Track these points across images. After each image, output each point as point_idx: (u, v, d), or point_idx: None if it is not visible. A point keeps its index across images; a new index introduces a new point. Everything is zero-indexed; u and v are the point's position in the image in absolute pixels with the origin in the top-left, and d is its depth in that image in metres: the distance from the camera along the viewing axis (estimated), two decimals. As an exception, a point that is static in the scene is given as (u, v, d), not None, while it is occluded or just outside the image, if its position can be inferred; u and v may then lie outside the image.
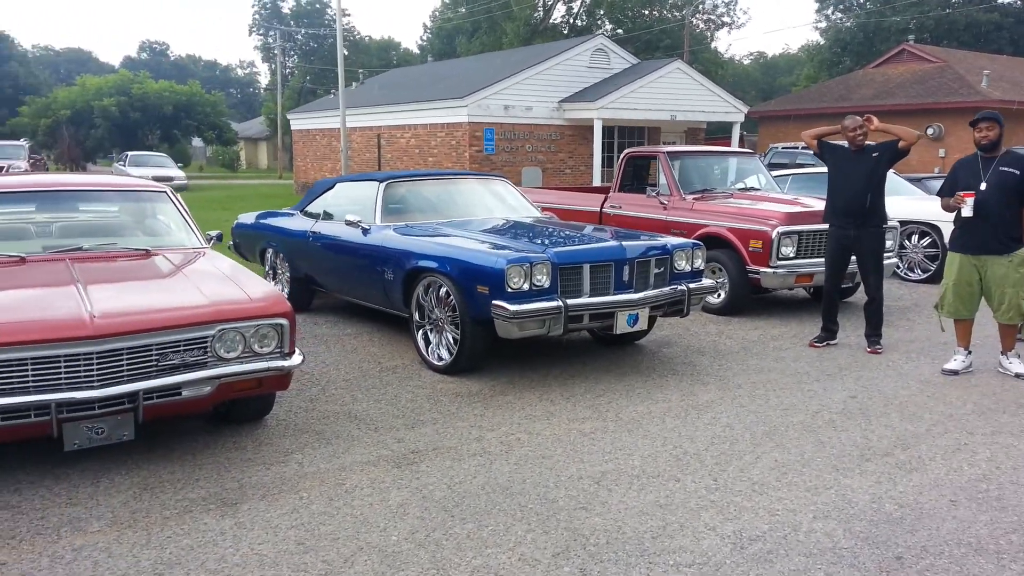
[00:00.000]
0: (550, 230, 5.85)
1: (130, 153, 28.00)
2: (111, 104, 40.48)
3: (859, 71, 36.55)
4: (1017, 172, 5.31)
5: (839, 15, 50.04)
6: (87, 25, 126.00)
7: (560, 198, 9.81)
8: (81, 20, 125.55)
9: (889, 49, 35.79)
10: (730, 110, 21.00)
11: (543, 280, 4.92)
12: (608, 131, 20.41)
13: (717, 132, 36.09)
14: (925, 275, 9.50)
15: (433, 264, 5.32)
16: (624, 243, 5.33)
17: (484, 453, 3.98)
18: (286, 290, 7.31)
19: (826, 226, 6.67)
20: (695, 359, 5.88)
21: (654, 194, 8.33)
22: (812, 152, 6.68)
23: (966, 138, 26.61)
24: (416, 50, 64.39)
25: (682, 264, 5.68)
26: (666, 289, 5.48)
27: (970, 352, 5.65)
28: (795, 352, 6.15)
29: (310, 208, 7.27)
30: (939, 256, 9.38)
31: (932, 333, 6.59)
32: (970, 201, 5.42)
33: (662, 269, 5.54)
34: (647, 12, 37.75)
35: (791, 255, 7.20)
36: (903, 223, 9.69)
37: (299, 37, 67.97)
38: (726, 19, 41.96)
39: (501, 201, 6.89)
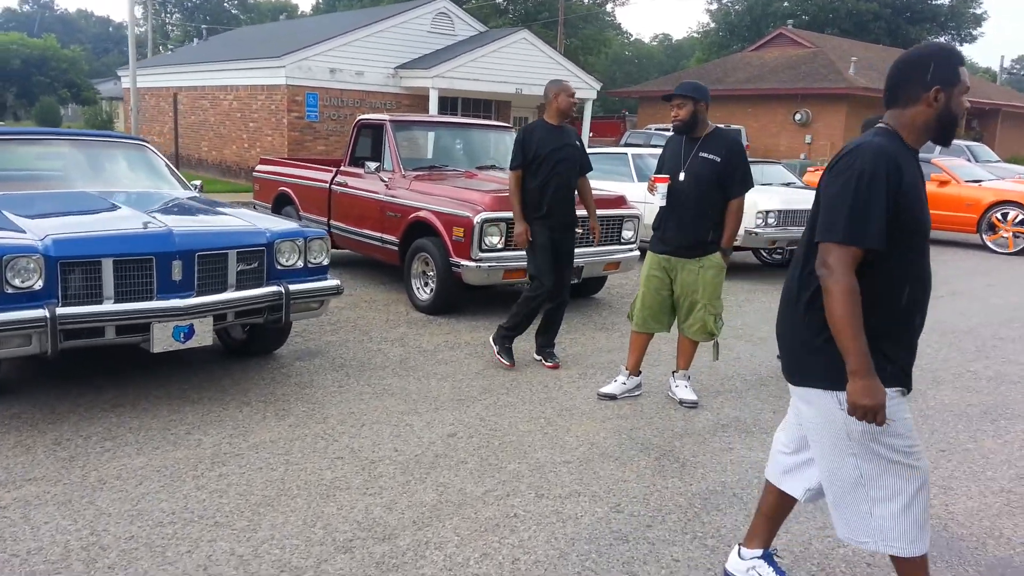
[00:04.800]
0: (105, 208, 4.42)
1: (-63, 107, 24.76)
2: (-56, 55, 36.39)
3: (737, 54, 36.47)
4: (717, 159, 4.29)
5: (728, -1, 50.12)
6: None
7: (295, 172, 8.49)
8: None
9: (767, 32, 35.85)
10: (581, 86, 19.99)
11: (30, 280, 3.60)
12: (450, 103, 19.10)
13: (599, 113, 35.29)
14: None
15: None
16: (178, 229, 4.05)
17: None
18: None
19: None
20: (316, 376, 4.70)
21: (372, 169, 7.10)
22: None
23: (833, 123, 26.94)
24: (312, 14, 61.39)
25: (290, 259, 4.47)
26: (252, 292, 4.26)
27: (640, 373, 4.67)
28: (461, 366, 5.06)
29: None
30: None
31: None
32: (662, 188, 4.40)
33: (254, 265, 4.31)
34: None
35: (498, 246, 6.14)
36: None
37: (181, -8, 63.55)
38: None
39: (127, 171, 5.50)
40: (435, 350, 5.39)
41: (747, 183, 4.35)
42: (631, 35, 69.92)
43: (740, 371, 5.24)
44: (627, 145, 20.12)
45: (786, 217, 8.45)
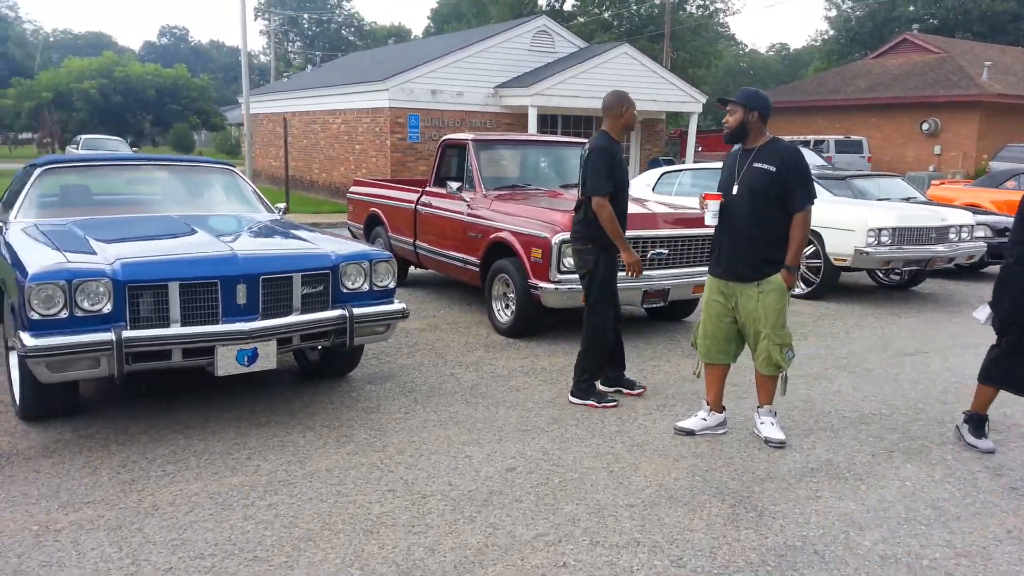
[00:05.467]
0: (183, 232, 4.51)
1: (83, 137, 27.00)
2: (91, 87, 39.77)
3: (857, 62, 34.62)
4: (772, 168, 3.94)
5: (848, 4, 47.78)
6: (108, 8, 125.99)
7: (384, 193, 8.57)
8: (102, 3, 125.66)
9: (891, 38, 33.85)
10: (686, 99, 19.48)
11: (99, 303, 3.70)
12: (550, 120, 19.01)
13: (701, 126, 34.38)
14: (809, 288, 8.10)
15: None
16: (242, 253, 4.07)
17: None
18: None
19: (635, 233, 5.86)
20: (383, 401, 4.61)
21: (454, 189, 7.03)
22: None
23: (965, 133, 25.06)
24: (423, 36, 63.52)
25: (356, 282, 4.42)
26: (316, 316, 4.23)
27: (723, 409, 4.32)
28: (534, 393, 4.86)
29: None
30: (822, 268, 7.99)
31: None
32: (713, 205, 4.08)
33: (319, 288, 4.29)
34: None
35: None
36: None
37: (303, 21, 67.13)
38: (720, 5, 39.81)
39: (214, 195, 5.66)
40: (509, 375, 5.21)
41: (809, 194, 3.93)
42: (746, 46, 68.03)
43: (839, 406, 4.77)
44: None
45: (902, 235, 7.77)
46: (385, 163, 17.20)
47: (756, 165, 3.98)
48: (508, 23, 20.02)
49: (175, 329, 3.84)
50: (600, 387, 4.81)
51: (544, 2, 39.82)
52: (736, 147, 4.18)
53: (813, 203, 3.97)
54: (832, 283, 8.02)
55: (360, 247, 4.62)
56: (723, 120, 4.11)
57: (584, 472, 3.72)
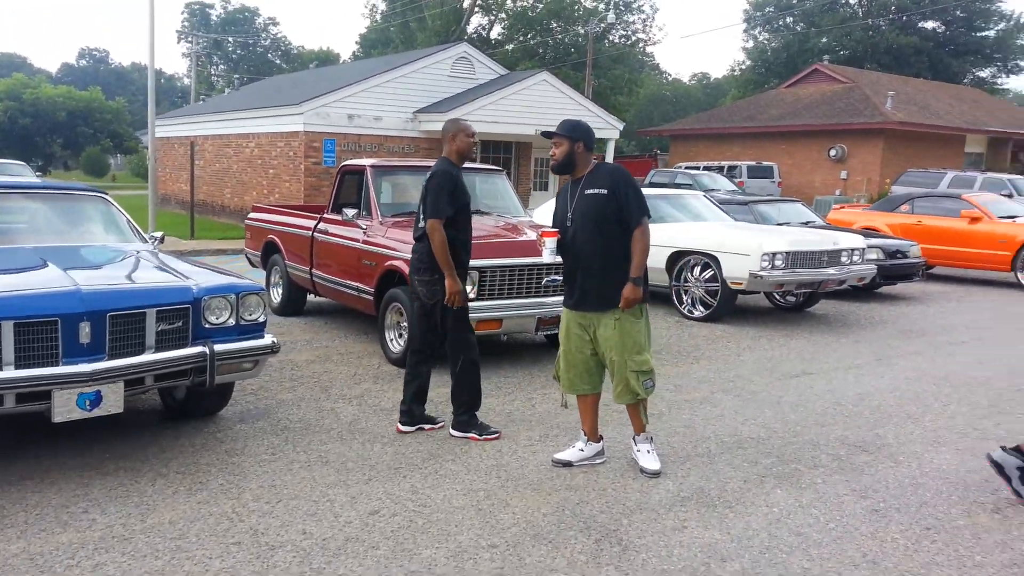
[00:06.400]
0: (31, 266, 4.21)
1: (-18, 160, 25.65)
2: (-2, 109, 38.04)
3: (771, 91, 35.90)
4: (604, 191, 3.93)
5: (764, 36, 49.71)
6: (26, 30, 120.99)
7: (282, 220, 8.33)
8: (18, 25, 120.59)
9: (803, 68, 35.27)
10: (604, 126, 19.77)
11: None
12: (471, 145, 19.01)
13: (622, 152, 34.99)
14: (707, 311, 8.19)
15: None
16: (88, 288, 3.82)
17: None
18: None
19: (520, 261, 5.88)
20: (250, 442, 4.38)
21: (350, 216, 6.86)
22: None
23: (869, 159, 26.20)
24: (352, 60, 63.18)
25: (220, 316, 4.20)
26: (172, 354, 3.99)
27: (601, 439, 4.26)
28: (387, 436, 4.69)
29: None
30: (719, 291, 8.11)
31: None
32: (549, 242, 4.06)
33: (178, 324, 4.05)
34: (555, 25, 36.59)
35: (471, 296, 5.79)
36: (681, 253, 8.43)
37: (228, 44, 65.83)
38: (642, 36, 40.84)
39: (82, 224, 5.34)
40: (393, 408, 5.03)
41: (643, 208, 3.94)
42: (670, 75, 69.95)
43: (719, 431, 4.77)
44: (651, 184, 19.80)
45: (795, 259, 7.95)
46: (299, 188, 16.85)
47: (588, 192, 3.99)
48: (428, 49, 20.06)
49: (7, 372, 3.55)
50: (479, 420, 4.68)
51: (472, 29, 40.09)
52: (568, 184, 4.16)
53: (649, 216, 3.99)
54: (729, 306, 8.14)
55: (227, 279, 4.40)
56: (550, 153, 4.10)
57: (451, 512, 3.58)
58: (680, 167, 24.36)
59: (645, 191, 10.14)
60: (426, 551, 3.21)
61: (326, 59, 66.22)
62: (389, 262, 6.30)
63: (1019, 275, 10.64)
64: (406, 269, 6.02)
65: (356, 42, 59.97)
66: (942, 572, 3.14)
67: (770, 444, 4.56)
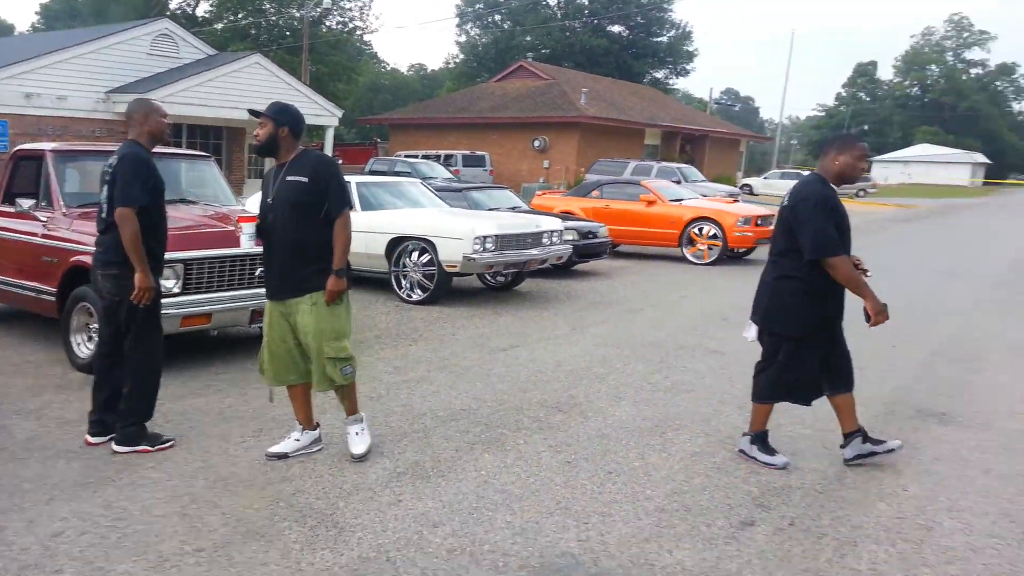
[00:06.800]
0: None
1: None
2: None
3: (482, 84, 37.80)
4: (304, 179, 3.89)
5: (475, 31, 52.06)
6: None
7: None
8: None
9: (511, 64, 37.59)
10: (321, 112, 19.41)
11: None
12: (175, 130, 17.56)
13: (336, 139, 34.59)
14: (425, 294, 8.45)
15: None
16: None
17: None
18: None
19: (230, 252, 5.62)
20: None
21: (26, 208, 6.01)
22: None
23: (567, 150, 28.69)
24: (31, 33, 54.61)
25: None
26: None
27: (317, 426, 4.24)
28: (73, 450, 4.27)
29: None
30: (436, 275, 8.41)
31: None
32: (248, 228, 3.99)
33: None
34: (268, 6, 35.00)
35: (174, 291, 5.43)
36: (401, 238, 8.61)
37: None
38: (359, 23, 40.61)
39: None
40: (80, 419, 4.52)
41: (345, 198, 4.00)
42: (388, 64, 70.34)
43: (434, 406, 5.00)
44: (372, 172, 19.82)
45: (503, 242, 8.50)
46: (-42, 177, 14.30)
47: (289, 178, 3.93)
48: (124, 24, 18.10)
49: None
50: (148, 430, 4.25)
51: (175, 4, 36.77)
52: (272, 168, 4.10)
53: (352, 207, 4.05)
54: (445, 288, 8.50)
55: None
56: (254, 133, 4.02)
57: (151, 522, 3.35)
58: (400, 155, 24.73)
59: (366, 178, 10.31)
60: (121, 566, 2.98)
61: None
62: (76, 257, 5.63)
63: (684, 250, 12.44)
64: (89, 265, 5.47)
65: (37, 12, 52.08)
66: (621, 508, 3.62)
67: (480, 413, 4.89)
